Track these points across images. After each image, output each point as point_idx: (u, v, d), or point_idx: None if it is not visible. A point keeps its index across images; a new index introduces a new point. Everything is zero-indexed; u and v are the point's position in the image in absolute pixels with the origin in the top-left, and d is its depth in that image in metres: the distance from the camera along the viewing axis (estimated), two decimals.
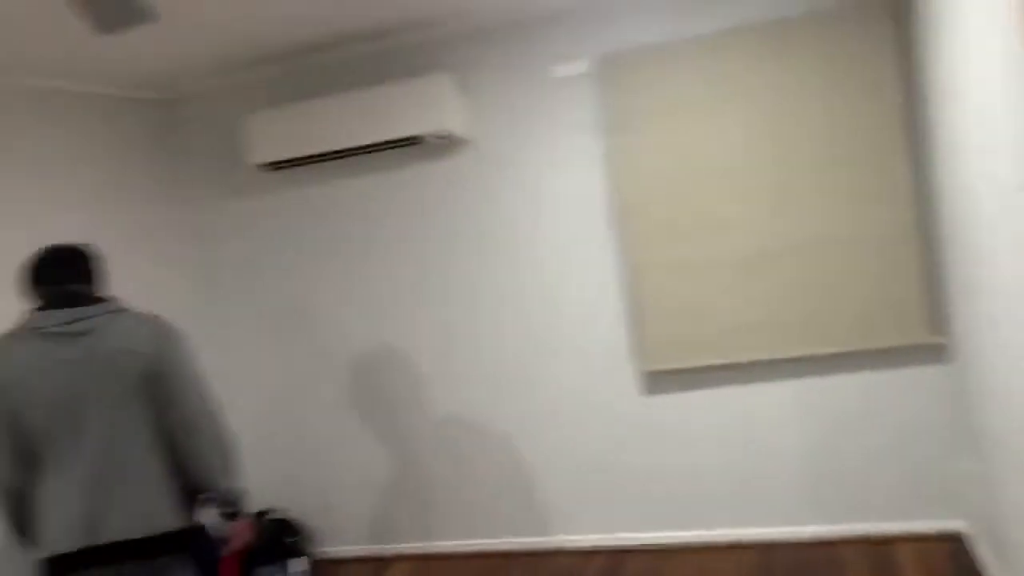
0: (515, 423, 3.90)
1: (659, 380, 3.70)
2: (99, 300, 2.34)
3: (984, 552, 3.13)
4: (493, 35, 3.73)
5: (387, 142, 3.69)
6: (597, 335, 3.75)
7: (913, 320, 3.35)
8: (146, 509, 2.28)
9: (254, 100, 4.06)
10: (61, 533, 2.23)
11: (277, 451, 4.21)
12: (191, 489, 2.39)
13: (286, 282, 4.13)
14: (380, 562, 4.06)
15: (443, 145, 3.81)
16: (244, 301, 4.17)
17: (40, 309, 2.29)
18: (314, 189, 4.04)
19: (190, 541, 2.39)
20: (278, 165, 3.86)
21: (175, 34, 3.22)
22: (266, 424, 4.20)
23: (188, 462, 2.34)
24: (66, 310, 2.26)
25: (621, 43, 3.58)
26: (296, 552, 3.72)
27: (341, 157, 3.81)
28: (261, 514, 3.98)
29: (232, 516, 2.47)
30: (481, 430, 3.94)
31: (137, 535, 2.26)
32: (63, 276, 2.33)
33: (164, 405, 2.31)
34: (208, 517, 2.61)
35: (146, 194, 4.02)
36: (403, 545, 4.11)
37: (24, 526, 2.34)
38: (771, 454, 3.60)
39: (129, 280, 3.56)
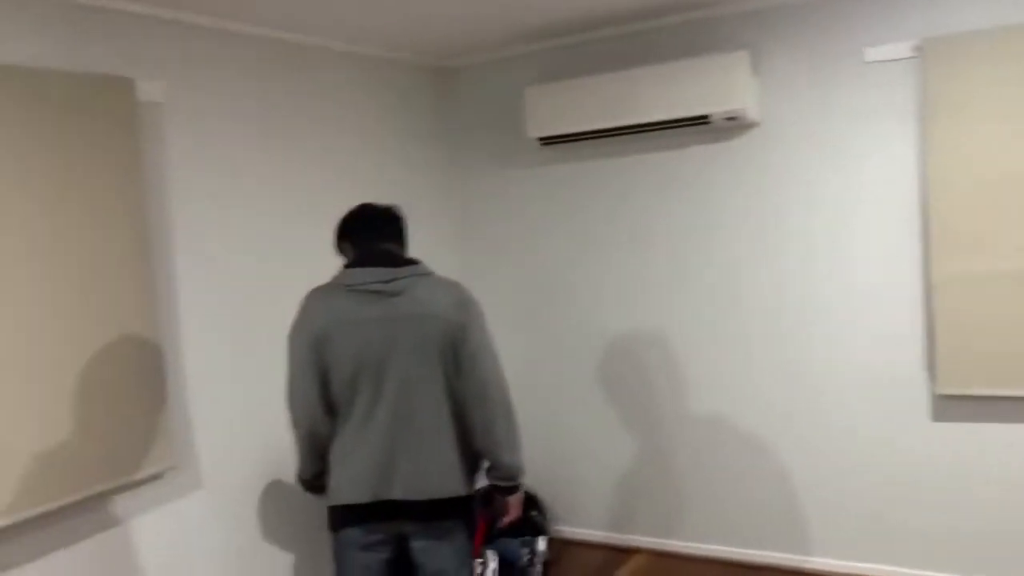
0: (781, 431, 3.63)
1: (953, 406, 3.29)
2: (409, 262, 2.36)
3: None
4: (797, 13, 3.44)
5: (672, 121, 3.52)
6: (885, 347, 3.40)
7: None
8: (436, 472, 2.29)
9: (535, 72, 4.02)
10: (353, 484, 2.29)
11: (523, 426, 4.19)
12: (474, 457, 2.39)
13: (549, 258, 4.10)
14: (617, 551, 3.96)
15: (730, 127, 3.58)
16: (503, 273, 4.19)
17: (352, 266, 2.35)
18: (590, 165, 3.95)
19: (468, 509, 2.39)
20: (556, 139, 3.81)
21: (465, 1, 3.20)
22: (514, 397, 4.20)
23: (475, 431, 2.33)
24: (379, 269, 2.29)
25: (946, 27, 3.17)
26: (539, 529, 3.70)
27: (621, 134, 3.69)
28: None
29: (508, 491, 2.44)
30: (742, 433, 3.71)
31: (425, 496, 2.28)
32: (377, 235, 2.38)
33: (459, 372, 2.30)
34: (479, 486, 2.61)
35: (424, 159, 4.13)
36: (641, 538, 3.99)
37: (315, 471, 2.43)
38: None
39: None
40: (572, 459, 4.12)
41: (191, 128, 3.00)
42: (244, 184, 3.20)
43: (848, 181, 3.41)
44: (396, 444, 2.27)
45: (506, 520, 2.50)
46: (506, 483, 2.41)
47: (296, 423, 2.36)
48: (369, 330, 2.26)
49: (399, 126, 3.98)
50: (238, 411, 3.14)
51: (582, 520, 4.13)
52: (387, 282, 2.27)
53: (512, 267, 4.17)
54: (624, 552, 3.94)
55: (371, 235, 2.38)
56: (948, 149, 3.16)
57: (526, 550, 3.61)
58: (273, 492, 3.25)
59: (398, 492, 2.27)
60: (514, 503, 2.47)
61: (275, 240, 3.32)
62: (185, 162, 2.98)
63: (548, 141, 3.83)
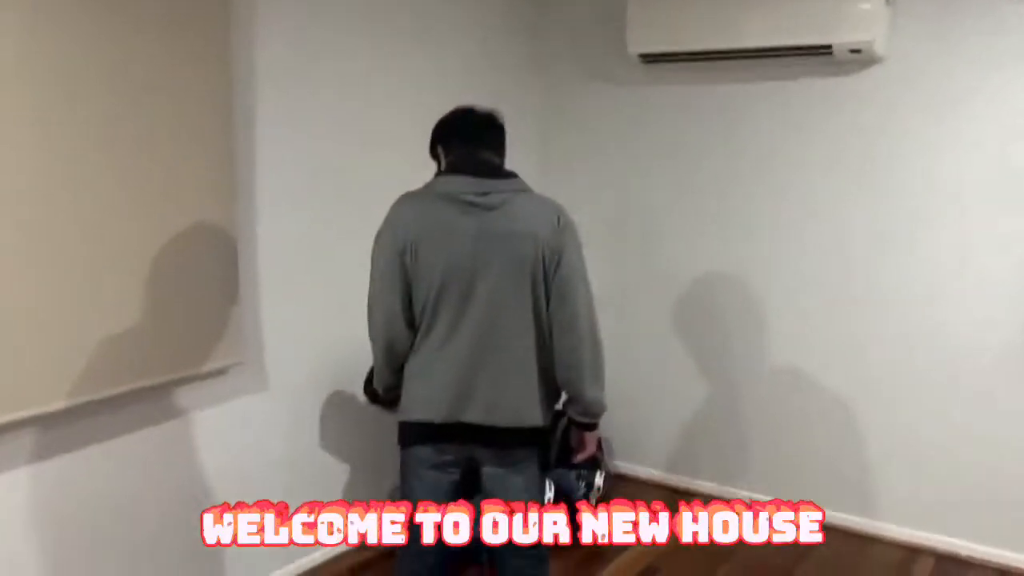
0: (864, 393, 3.44)
1: None
2: (509, 175, 2.19)
3: None
4: None
5: (791, 48, 3.25)
6: (994, 324, 3.16)
7: None
8: (515, 398, 2.16)
9: None
10: (428, 402, 2.18)
11: None
12: (556, 389, 2.25)
13: (639, 186, 3.88)
14: (675, 492, 3.86)
15: (851, 60, 3.28)
16: (584, 196, 3.96)
17: (447, 173, 2.18)
18: (695, 90, 3.69)
19: (544, 440, 2.27)
20: (660, 57, 3.55)
21: None
22: None
23: (559, 361, 2.18)
24: (476, 179, 2.13)
25: None
26: (597, 463, 3.59)
27: (732, 58, 3.42)
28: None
29: (587, 427, 2.31)
30: (821, 390, 3.53)
31: (502, 423, 2.16)
32: (476, 142, 2.21)
33: (550, 297, 2.14)
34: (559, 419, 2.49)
35: (514, 70, 3.89)
36: (699, 482, 3.87)
37: (389, 384, 2.32)
38: None
39: None
40: (638, 395, 3.97)
41: (282, 10, 2.82)
42: (333, 70, 3.03)
43: (975, 136, 3.13)
44: (477, 366, 2.14)
45: (580, 457, 2.38)
46: (586, 419, 2.27)
47: (375, 334, 2.23)
48: (461, 243, 2.10)
49: (488, 37, 3.74)
50: (310, 314, 3.05)
51: (641, 458, 4.02)
52: (484, 194, 2.11)
53: (598, 191, 3.95)
54: (681, 493, 3.84)
55: (469, 142, 2.20)
56: None
57: (582, 483, 3.51)
58: (337, 401, 3.18)
59: (474, 415, 2.15)
60: (590, 440, 2.34)
61: (362, 134, 3.16)
62: (274, 44, 2.81)
63: (651, 59, 3.58)
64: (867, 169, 3.34)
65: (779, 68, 3.45)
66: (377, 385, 2.38)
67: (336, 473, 3.22)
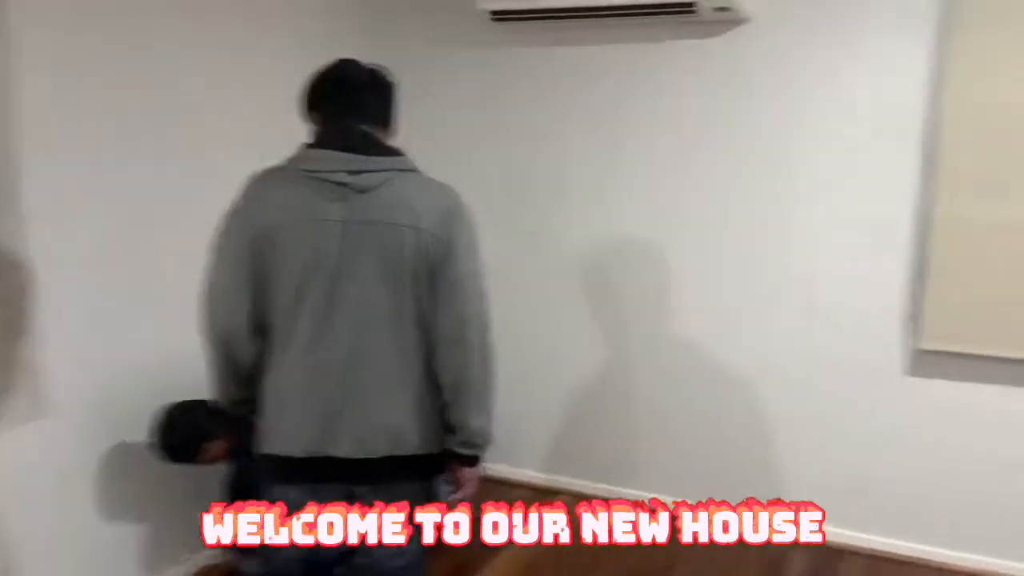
0: (737, 370, 3.23)
1: (933, 362, 2.93)
2: (391, 151, 1.79)
3: None
4: None
5: (652, 6, 2.94)
6: (866, 293, 2.99)
7: None
8: (394, 421, 1.77)
9: None
10: (288, 431, 1.77)
11: None
12: (444, 408, 1.84)
13: (498, 155, 3.51)
14: (555, 493, 3.57)
15: (717, 20, 3.02)
16: (448, 168, 3.58)
17: (315, 146, 1.77)
18: (551, 51, 3.34)
19: (434, 469, 1.88)
20: (511, 15, 3.18)
21: None
22: None
23: (443, 378, 1.79)
24: (349, 155, 1.72)
25: None
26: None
27: (591, 16, 3.09)
28: None
29: (467, 460, 1.88)
30: (701, 370, 3.30)
31: (379, 454, 1.77)
32: (354, 107, 1.79)
33: (434, 299, 1.75)
34: None
35: (352, 37, 3.45)
36: (578, 481, 3.59)
37: (236, 397, 1.88)
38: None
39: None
40: (510, 389, 3.64)
41: None
42: (127, 56, 2.51)
43: (845, 100, 2.93)
44: (344, 383, 1.73)
45: (457, 496, 1.94)
46: (467, 451, 1.86)
47: (212, 336, 1.79)
48: (326, 233, 1.70)
49: (320, 7, 3.29)
50: (97, 332, 2.54)
51: (515, 458, 3.70)
52: (356, 173, 1.70)
53: (462, 161, 3.53)
54: (555, 494, 3.57)
55: (345, 107, 1.78)
56: (971, 72, 2.69)
57: (449, 487, 3.17)
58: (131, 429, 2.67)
59: (345, 447, 1.75)
60: (470, 477, 1.92)
61: (161, 131, 2.65)
62: (44, 24, 2.28)
63: (502, 16, 3.20)
64: (732, 138, 3.10)
65: (643, 28, 3.15)
66: (219, 397, 1.91)
67: (128, 531, 2.70)
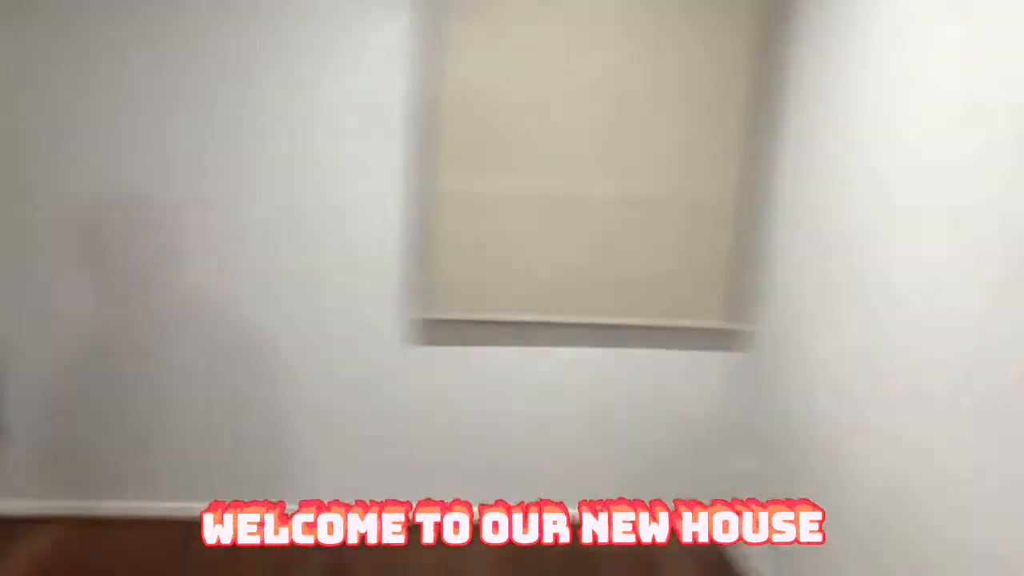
0: (228, 348, 3.06)
1: (431, 330, 3.08)
2: None
3: (751, 559, 2.95)
4: None
5: None
6: (369, 263, 3.03)
7: (715, 301, 3.08)
8: None
9: None
10: None
11: None
12: None
13: None
14: (24, 524, 3.02)
15: None
16: None
17: None
18: None
19: None
20: None
21: None
22: None
23: None
24: None
25: None
26: None
27: None
28: None
29: None
30: (183, 341, 3.04)
31: None
32: None
33: None
34: None
35: None
36: (61, 503, 3.11)
37: None
38: (526, 425, 3.21)
39: None
40: None
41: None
42: None
43: (337, 79, 2.90)
44: None
45: None
46: None
47: None
48: None
49: None
50: None
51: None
52: None
53: None
54: (35, 524, 3.03)
55: None
56: (451, 48, 2.86)
57: None
58: None
59: None
60: None
61: None
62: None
63: None
64: (245, 100, 2.91)
65: None
66: None
67: None
